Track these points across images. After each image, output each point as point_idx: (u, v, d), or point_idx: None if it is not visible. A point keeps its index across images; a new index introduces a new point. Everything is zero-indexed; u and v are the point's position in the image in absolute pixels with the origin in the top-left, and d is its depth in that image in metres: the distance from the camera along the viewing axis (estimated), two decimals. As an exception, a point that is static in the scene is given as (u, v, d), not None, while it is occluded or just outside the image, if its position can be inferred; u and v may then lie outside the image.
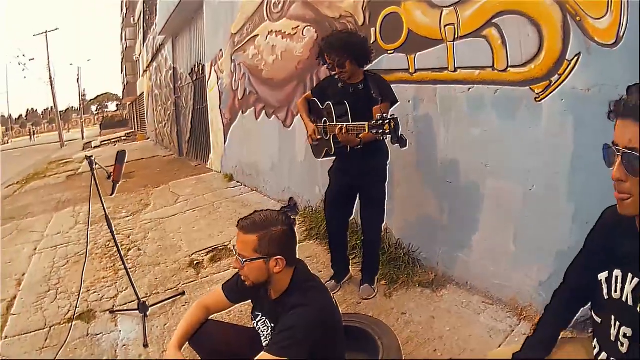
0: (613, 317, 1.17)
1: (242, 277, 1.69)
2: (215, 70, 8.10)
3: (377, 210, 2.94)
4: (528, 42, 2.37)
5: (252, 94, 6.16)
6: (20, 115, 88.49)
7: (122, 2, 37.54)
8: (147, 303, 3.09)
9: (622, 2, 1.97)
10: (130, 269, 3.76)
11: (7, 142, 55.32)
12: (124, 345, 2.82)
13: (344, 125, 2.53)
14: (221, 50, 7.48)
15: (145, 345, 2.72)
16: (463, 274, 2.90)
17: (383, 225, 3.08)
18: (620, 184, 1.03)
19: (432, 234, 3.12)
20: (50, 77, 32.92)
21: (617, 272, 1.17)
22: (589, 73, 2.15)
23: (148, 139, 21.80)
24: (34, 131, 63.46)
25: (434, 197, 3.09)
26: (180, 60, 11.79)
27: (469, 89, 2.72)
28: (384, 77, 2.92)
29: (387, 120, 2.28)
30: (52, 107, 38.07)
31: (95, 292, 3.63)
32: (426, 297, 2.86)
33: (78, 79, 43.39)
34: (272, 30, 5.31)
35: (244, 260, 1.62)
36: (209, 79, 8.62)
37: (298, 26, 4.66)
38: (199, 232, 4.96)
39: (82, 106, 50.53)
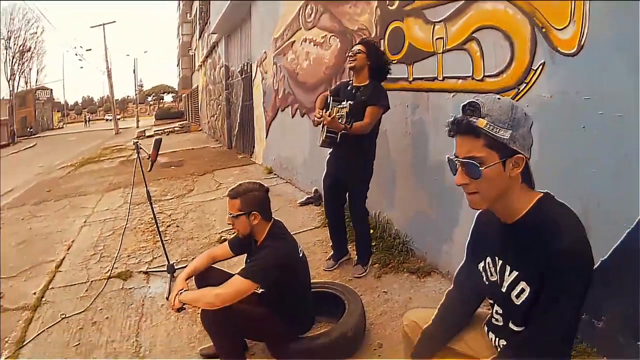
0: (491, 299, 1.40)
1: (235, 230, 2.31)
2: (260, 70, 8.58)
3: (357, 197, 3.34)
4: (501, 53, 2.57)
5: (290, 94, 6.62)
6: (76, 102, 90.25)
7: None
8: (174, 265, 3.66)
9: (583, 12, 2.07)
10: (167, 241, 4.43)
11: (62, 127, 58.38)
12: (151, 297, 3.39)
13: (328, 112, 3.05)
14: (265, 52, 7.97)
15: (167, 298, 3.24)
16: (446, 264, 3.17)
17: (381, 214, 3.43)
18: (465, 187, 1.23)
19: (424, 226, 3.42)
20: (107, 67, 33.85)
21: (488, 259, 1.36)
22: (553, 81, 2.29)
23: (201, 130, 22.48)
24: (89, 118, 65.79)
25: (426, 193, 3.38)
26: (231, 58, 12.24)
27: (453, 96, 2.98)
28: (389, 84, 3.34)
29: (345, 106, 2.98)
30: (108, 96, 39.69)
31: (134, 258, 4.24)
32: (410, 281, 3.19)
33: (134, 70, 44.69)
34: (305, 38, 5.74)
35: (232, 216, 2.25)
36: (254, 77, 9.13)
37: (326, 35, 5.05)
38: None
39: (137, 96, 51.95)
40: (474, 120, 1.17)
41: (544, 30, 2.30)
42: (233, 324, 2.12)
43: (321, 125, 3.27)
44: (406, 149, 3.58)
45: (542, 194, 1.27)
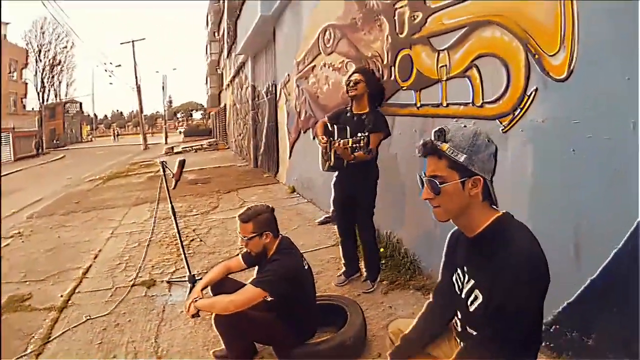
0: (456, 306, 1.53)
1: (248, 250, 2.57)
2: (284, 92, 8.87)
3: (364, 217, 3.53)
4: (499, 80, 2.70)
5: (311, 117, 6.83)
6: (105, 116, 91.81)
7: (207, 17, 39.75)
8: (195, 276, 3.88)
9: (573, 38, 2.18)
10: (190, 254, 4.68)
11: (91, 140, 59.90)
12: (172, 304, 3.63)
13: (340, 141, 3.21)
14: (288, 74, 8.25)
15: (186, 305, 3.48)
16: (449, 281, 3.28)
17: (392, 234, 3.59)
18: (430, 201, 1.42)
19: (430, 245, 3.52)
20: (137, 83, 34.41)
21: (458, 270, 1.49)
22: (545, 106, 2.40)
23: (228, 148, 22.90)
24: (118, 132, 66.66)
25: (431, 213, 3.49)
26: (258, 78, 12.53)
27: (456, 121, 3.09)
28: (399, 110, 3.60)
29: (362, 138, 3.02)
30: (137, 111, 39.93)
31: (158, 268, 4.51)
32: (416, 298, 3.33)
33: (163, 87, 45.38)
34: (325, 63, 5.98)
35: (246, 238, 2.48)
36: (279, 99, 9.43)
37: (343, 60, 5.28)
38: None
39: (166, 112, 52.41)
40: (439, 144, 1.36)
41: (537, 56, 2.42)
42: (243, 328, 2.37)
43: (326, 150, 3.50)
44: (415, 173, 3.69)
45: (502, 213, 1.42)
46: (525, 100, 2.52)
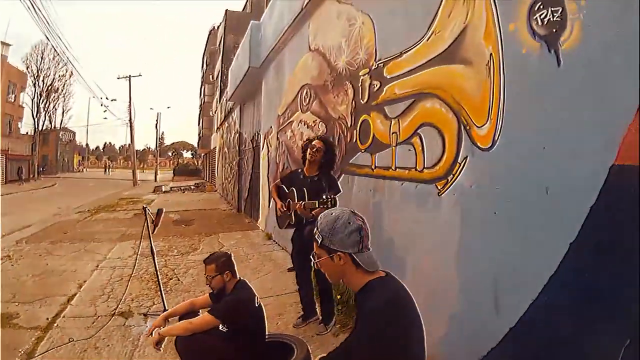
0: None
1: (211, 287, 3.02)
2: (266, 143, 9.28)
3: None
4: (436, 148, 3.02)
5: (288, 169, 7.22)
6: (97, 147, 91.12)
7: (203, 59, 40.25)
8: (169, 311, 4.26)
9: (499, 110, 2.42)
10: (167, 291, 5.06)
11: (82, 171, 59.28)
12: (146, 334, 3.93)
13: (302, 203, 3.72)
14: (271, 126, 8.70)
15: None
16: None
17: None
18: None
19: None
20: (130, 119, 34.36)
21: None
22: (472, 172, 2.66)
23: (216, 191, 23.08)
24: (110, 165, 65.99)
25: (379, 261, 3.63)
26: (245, 126, 12.94)
27: (402, 184, 3.53)
28: (358, 169, 4.08)
29: (330, 199, 3.46)
30: (129, 145, 39.60)
31: (137, 302, 4.85)
32: (364, 340, 3.72)
33: (157, 124, 44.97)
34: (301, 119, 6.44)
35: (210, 277, 2.97)
36: (262, 148, 9.81)
37: (316, 120, 5.74)
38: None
39: (158, 150, 52.02)
40: (314, 230, 1.80)
41: (467, 127, 2.71)
42: (198, 349, 2.78)
43: (284, 211, 4.01)
44: (369, 226, 4.08)
45: (376, 277, 1.71)
46: (457, 167, 2.83)
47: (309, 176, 4.02)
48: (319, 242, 1.74)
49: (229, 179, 16.65)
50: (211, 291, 3.12)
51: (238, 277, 3.07)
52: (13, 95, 37.02)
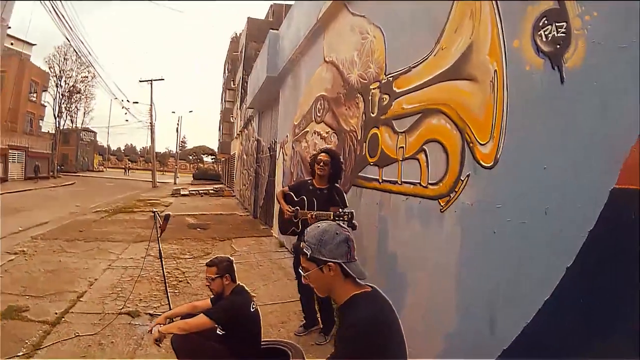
0: None
1: (210, 289, 3.09)
2: (282, 152, 9.36)
3: None
4: (441, 164, 3.00)
5: (301, 179, 7.01)
6: (119, 148, 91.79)
7: (225, 65, 40.59)
8: (174, 312, 4.35)
9: (501, 129, 2.40)
10: (175, 293, 5.21)
11: (102, 170, 60.15)
12: (152, 334, 4.05)
13: (314, 214, 3.76)
14: (287, 135, 8.79)
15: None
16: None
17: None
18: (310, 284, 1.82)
19: None
20: (152, 122, 35.17)
21: None
22: (474, 190, 2.64)
23: (234, 196, 23.24)
24: (129, 166, 67.15)
25: (385, 278, 3.74)
26: (263, 134, 13.09)
27: (406, 199, 3.52)
28: (365, 183, 4.13)
29: (346, 213, 3.54)
30: (150, 147, 39.98)
31: (144, 302, 5.00)
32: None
33: (177, 128, 46.10)
34: (315, 130, 6.50)
35: (210, 279, 3.08)
36: (278, 157, 9.91)
37: (329, 131, 5.78)
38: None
39: (178, 153, 53.19)
40: (302, 244, 1.85)
41: (471, 144, 2.69)
42: (192, 348, 2.88)
43: (291, 218, 4.06)
44: (374, 240, 4.09)
45: (362, 291, 1.76)
46: (459, 184, 2.81)
47: (318, 188, 4.09)
48: (308, 254, 1.78)
49: (246, 185, 16.79)
50: (212, 296, 3.20)
51: (237, 282, 3.16)
52: (35, 94, 37.91)
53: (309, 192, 4.10)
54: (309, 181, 4.20)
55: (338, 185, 4.12)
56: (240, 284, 3.20)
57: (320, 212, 3.79)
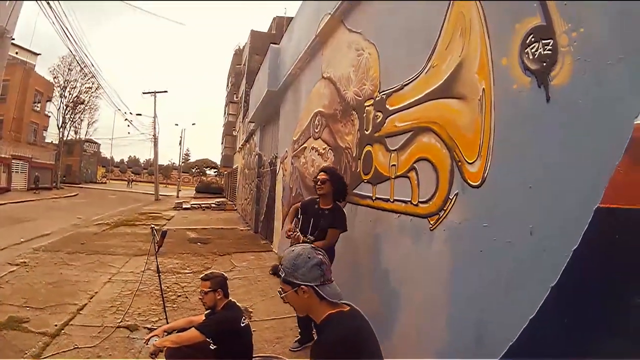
0: None
1: (203, 302, 3.18)
2: (282, 167, 9.38)
3: None
4: (431, 183, 3.03)
5: (300, 195, 7.33)
6: (122, 160, 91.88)
7: (228, 78, 40.73)
8: (172, 327, 4.40)
9: (488, 148, 2.41)
10: (174, 308, 5.25)
11: (105, 182, 60.12)
12: (148, 347, 4.07)
13: (302, 238, 3.92)
14: (286, 151, 8.82)
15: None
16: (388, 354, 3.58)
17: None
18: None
19: (380, 321, 3.52)
20: (155, 135, 34.68)
21: None
22: (462, 208, 2.65)
23: (236, 210, 23.18)
24: (132, 179, 66.86)
25: (379, 293, 3.80)
26: (264, 148, 13.13)
27: (398, 216, 3.55)
28: (360, 200, 4.16)
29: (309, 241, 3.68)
30: (153, 159, 39.20)
31: (143, 316, 5.06)
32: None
33: (180, 141, 45.41)
34: (313, 146, 6.53)
35: (204, 292, 3.18)
36: (277, 172, 9.93)
37: (326, 147, 5.81)
38: (234, 296, 6.16)
39: (181, 166, 52.04)
40: (278, 267, 1.94)
41: (459, 163, 2.71)
42: None
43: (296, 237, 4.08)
44: (368, 256, 4.12)
45: (337, 310, 1.85)
46: (448, 203, 2.83)
47: (321, 208, 4.12)
48: (282, 277, 1.89)
49: (248, 200, 16.78)
50: (207, 311, 3.26)
51: (229, 298, 3.26)
52: (39, 104, 37.84)
53: (313, 211, 4.13)
54: (317, 200, 4.20)
55: (340, 205, 4.14)
56: (232, 299, 3.28)
57: (305, 237, 3.92)
